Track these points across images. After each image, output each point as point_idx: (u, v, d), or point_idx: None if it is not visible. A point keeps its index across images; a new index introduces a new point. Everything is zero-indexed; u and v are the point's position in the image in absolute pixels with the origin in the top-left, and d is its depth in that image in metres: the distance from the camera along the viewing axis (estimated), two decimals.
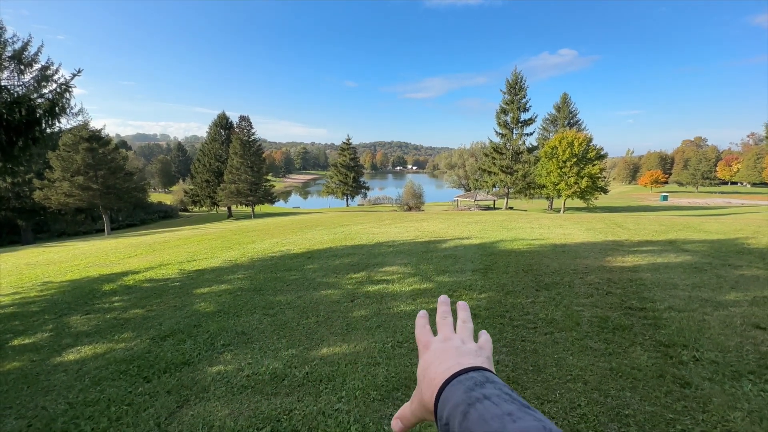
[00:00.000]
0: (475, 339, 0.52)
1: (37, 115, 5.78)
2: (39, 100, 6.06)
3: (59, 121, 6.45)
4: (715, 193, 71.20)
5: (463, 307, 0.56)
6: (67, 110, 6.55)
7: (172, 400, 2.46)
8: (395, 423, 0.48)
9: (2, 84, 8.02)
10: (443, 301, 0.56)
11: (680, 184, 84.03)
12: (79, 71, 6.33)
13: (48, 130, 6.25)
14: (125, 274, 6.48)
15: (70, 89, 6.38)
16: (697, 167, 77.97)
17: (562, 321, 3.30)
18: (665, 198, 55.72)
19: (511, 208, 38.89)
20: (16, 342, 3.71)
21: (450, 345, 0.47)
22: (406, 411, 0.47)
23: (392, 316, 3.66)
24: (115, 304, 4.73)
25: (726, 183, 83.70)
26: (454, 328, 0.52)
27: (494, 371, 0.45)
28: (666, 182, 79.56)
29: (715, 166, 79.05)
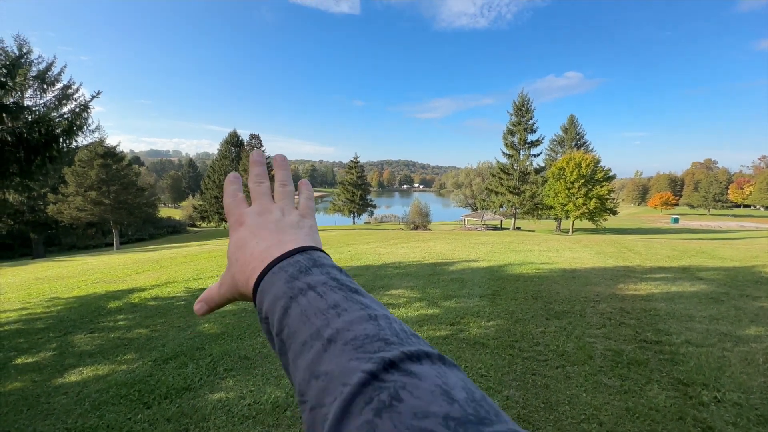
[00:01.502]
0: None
1: (56, 134, 5.95)
2: (58, 120, 6.26)
3: (76, 140, 6.65)
4: (728, 216, 69.95)
5: (280, 165, 0.46)
6: (84, 128, 6.76)
7: (172, 429, 2.40)
8: (199, 306, 0.41)
9: (25, 103, 8.34)
10: (256, 159, 0.45)
11: (691, 206, 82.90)
12: (98, 93, 6.56)
13: (65, 149, 6.43)
14: (131, 291, 6.49)
15: (89, 109, 6.60)
16: (708, 189, 77.05)
17: (574, 354, 3.19)
18: (676, 220, 54.80)
19: (518, 228, 38.58)
20: (19, 361, 3.69)
21: (268, 219, 0.39)
22: (213, 293, 0.40)
23: None
24: (120, 322, 4.71)
25: (739, 206, 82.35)
26: (272, 195, 0.43)
27: (320, 243, 0.39)
28: (677, 204, 78.55)
29: (727, 188, 78.05)
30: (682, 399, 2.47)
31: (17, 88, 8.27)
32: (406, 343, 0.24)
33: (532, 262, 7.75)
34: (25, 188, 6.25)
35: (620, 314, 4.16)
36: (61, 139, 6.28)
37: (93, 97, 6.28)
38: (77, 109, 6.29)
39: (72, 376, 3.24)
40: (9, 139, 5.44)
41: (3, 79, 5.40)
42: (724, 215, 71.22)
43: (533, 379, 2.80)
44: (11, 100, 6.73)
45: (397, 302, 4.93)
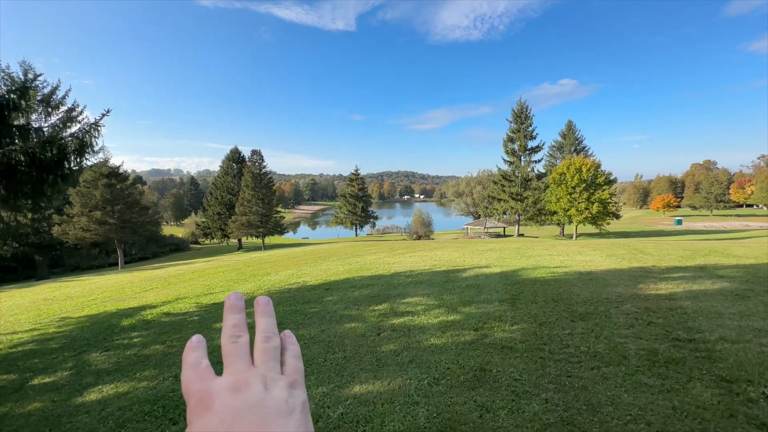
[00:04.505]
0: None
1: (67, 153, 5.99)
2: (69, 139, 6.30)
3: (86, 159, 6.67)
4: (731, 216, 69.67)
5: (263, 311, 0.35)
6: (93, 148, 6.79)
7: None
8: None
9: (33, 126, 8.41)
10: (233, 304, 0.35)
11: (693, 207, 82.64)
12: (108, 111, 6.61)
13: (76, 167, 6.45)
14: (143, 308, 6.42)
15: (99, 128, 6.64)
16: (709, 190, 76.98)
17: (607, 354, 3.10)
18: (680, 222, 54.54)
19: (522, 235, 38.43)
20: (36, 381, 3.61)
21: (247, 399, 0.28)
22: None
23: (423, 350, 3.49)
24: (135, 339, 4.64)
25: (741, 206, 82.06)
26: (251, 350, 0.33)
27: (310, 420, 0.31)
28: (678, 206, 78.24)
29: (728, 188, 77.91)
30: (729, 396, 2.38)
31: (25, 111, 8.37)
32: None
33: (545, 266, 7.66)
34: (38, 208, 6.25)
35: (646, 314, 4.07)
36: (72, 158, 6.31)
37: (103, 115, 6.32)
38: (88, 128, 6.33)
39: (92, 395, 3.17)
40: (23, 159, 5.47)
41: (17, 102, 5.45)
42: (728, 215, 70.96)
43: (570, 381, 2.71)
44: (22, 121, 6.79)
45: (415, 310, 4.85)
